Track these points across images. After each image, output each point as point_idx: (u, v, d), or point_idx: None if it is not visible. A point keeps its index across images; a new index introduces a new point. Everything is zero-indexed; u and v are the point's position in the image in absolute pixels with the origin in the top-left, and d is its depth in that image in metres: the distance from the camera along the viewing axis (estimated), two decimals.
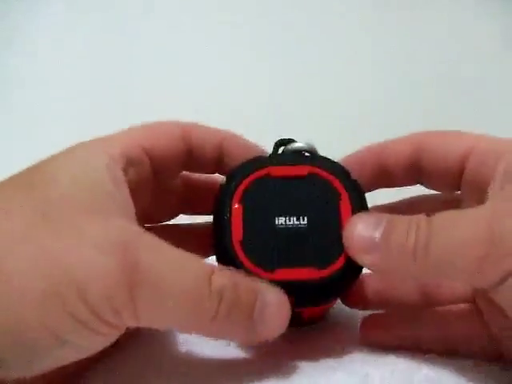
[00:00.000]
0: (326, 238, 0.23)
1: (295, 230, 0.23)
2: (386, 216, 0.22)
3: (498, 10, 0.60)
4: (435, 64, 0.59)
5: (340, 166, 0.25)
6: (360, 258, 0.22)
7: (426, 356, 0.24)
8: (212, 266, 0.21)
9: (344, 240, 0.23)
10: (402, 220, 0.22)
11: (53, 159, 0.22)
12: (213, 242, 0.24)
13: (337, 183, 0.24)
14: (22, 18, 0.59)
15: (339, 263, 0.23)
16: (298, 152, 0.26)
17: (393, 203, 0.29)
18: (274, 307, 0.21)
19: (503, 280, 0.20)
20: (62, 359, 0.20)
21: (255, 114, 0.54)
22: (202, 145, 0.26)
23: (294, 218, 0.23)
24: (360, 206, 0.24)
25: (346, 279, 0.24)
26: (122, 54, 0.58)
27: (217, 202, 0.24)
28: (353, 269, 0.23)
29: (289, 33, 0.60)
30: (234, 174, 0.25)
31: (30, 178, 0.22)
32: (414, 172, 0.26)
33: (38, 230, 0.20)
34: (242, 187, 0.24)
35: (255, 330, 0.21)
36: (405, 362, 0.23)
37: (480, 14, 0.61)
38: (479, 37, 0.60)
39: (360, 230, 0.22)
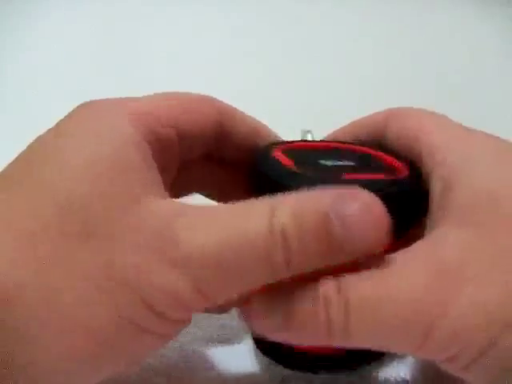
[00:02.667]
0: (377, 168, 0.22)
1: (343, 165, 0.22)
2: (283, 298, 0.17)
3: (498, 12, 0.60)
4: (434, 64, 0.59)
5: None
6: (269, 336, 0.18)
7: None
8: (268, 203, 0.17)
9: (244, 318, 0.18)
10: (304, 297, 0.17)
11: (64, 135, 0.18)
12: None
13: (362, 148, 0.24)
14: (23, 12, 0.59)
15: (403, 173, 0.21)
16: None
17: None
18: (356, 212, 0.16)
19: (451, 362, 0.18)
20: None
21: (254, 101, 0.54)
22: (238, 130, 0.23)
23: (340, 162, 0.22)
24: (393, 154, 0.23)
25: (416, 186, 0.21)
26: (119, 49, 0.58)
27: (255, 162, 0.22)
28: (417, 179, 0.21)
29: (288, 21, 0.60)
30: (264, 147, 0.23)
31: (33, 166, 0.18)
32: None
33: (71, 245, 0.16)
34: (279, 149, 0.23)
35: (344, 250, 0.16)
36: None
37: (481, 15, 0.61)
38: (479, 37, 0.60)
39: (257, 317, 0.18)
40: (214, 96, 0.24)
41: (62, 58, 0.57)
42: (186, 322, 0.18)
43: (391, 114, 0.25)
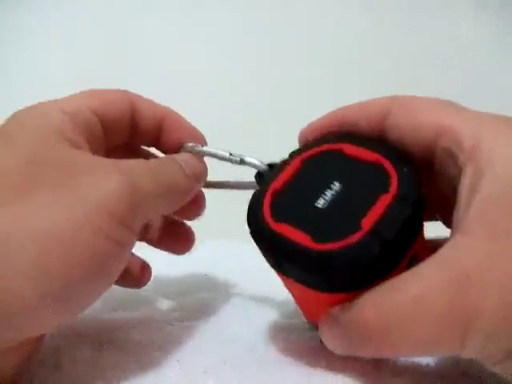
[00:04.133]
0: (368, 178, 0.22)
1: (340, 197, 0.22)
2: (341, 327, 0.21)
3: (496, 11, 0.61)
4: (431, 63, 0.59)
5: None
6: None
7: None
8: None
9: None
10: (351, 323, 0.21)
11: (14, 121, 0.23)
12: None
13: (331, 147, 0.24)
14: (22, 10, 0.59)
15: (393, 177, 0.22)
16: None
17: None
18: None
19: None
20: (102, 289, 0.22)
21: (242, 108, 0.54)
22: (146, 116, 0.27)
23: (331, 191, 0.23)
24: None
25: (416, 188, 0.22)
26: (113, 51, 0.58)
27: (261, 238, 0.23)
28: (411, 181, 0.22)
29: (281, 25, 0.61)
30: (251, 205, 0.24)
31: None
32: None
33: (41, 180, 0.20)
34: (269, 210, 0.23)
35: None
36: None
37: (478, 13, 0.61)
38: (476, 35, 0.60)
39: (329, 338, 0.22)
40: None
41: (63, 59, 0.57)
42: (137, 233, 0.22)
43: (395, 104, 0.23)
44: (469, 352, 0.19)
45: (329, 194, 0.23)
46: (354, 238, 0.20)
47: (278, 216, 0.23)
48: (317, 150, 0.24)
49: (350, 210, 0.22)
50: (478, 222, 0.19)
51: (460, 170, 0.21)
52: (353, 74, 0.60)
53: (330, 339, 0.22)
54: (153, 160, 0.25)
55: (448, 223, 0.23)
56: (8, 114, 0.23)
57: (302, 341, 0.26)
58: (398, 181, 0.22)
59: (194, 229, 0.30)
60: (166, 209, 0.25)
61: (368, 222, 0.21)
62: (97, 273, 0.20)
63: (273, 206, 0.23)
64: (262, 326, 0.28)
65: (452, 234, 0.21)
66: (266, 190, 0.24)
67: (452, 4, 0.62)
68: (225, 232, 0.29)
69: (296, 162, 0.24)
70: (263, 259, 0.24)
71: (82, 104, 0.25)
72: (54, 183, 0.20)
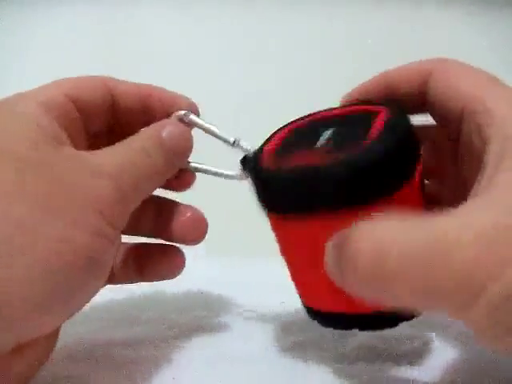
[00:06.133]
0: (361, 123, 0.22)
1: (334, 136, 0.23)
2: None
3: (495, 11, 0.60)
4: None
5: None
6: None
7: None
8: None
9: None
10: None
11: None
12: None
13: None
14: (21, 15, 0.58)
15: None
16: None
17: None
18: None
19: None
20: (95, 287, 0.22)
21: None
22: (126, 97, 0.26)
23: (325, 134, 0.23)
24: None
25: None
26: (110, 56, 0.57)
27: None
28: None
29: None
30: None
31: None
32: (421, 103, 0.24)
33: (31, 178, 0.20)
34: (265, 153, 0.23)
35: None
36: None
37: (478, 13, 0.61)
38: (476, 35, 0.60)
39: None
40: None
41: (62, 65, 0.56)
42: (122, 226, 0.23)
43: (437, 67, 0.23)
44: (472, 319, 0.16)
45: (326, 135, 0.23)
46: (365, 143, 0.21)
47: (279, 155, 0.22)
48: (304, 120, 0.25)
49: (351, 136, 0.22)
50: (508, 181, 0.17)
51: (487, 140, 0.20)
52: (352, 74, 0.59)
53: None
54: (134, 145, 0.24)
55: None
56: None
57: (298, 360, 0.26)
58: (388, 110, 0.22)
59: (189, 247, 0.29)
60: (146, 193, 0.24)
61: (373, 132, 0.21)
62: (88, 270, 0.21)
63: (272, 154, 0.23)
64: (258, 344, 0.28)
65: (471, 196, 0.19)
66: (261, 152, 0.23)
67: (452, 4, 0.61)
68: (220, 249, 0.29)
69: (284, 131, 0.24)
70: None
71: (55, 91, 0.24)
72: (44, 187, 0.20)
